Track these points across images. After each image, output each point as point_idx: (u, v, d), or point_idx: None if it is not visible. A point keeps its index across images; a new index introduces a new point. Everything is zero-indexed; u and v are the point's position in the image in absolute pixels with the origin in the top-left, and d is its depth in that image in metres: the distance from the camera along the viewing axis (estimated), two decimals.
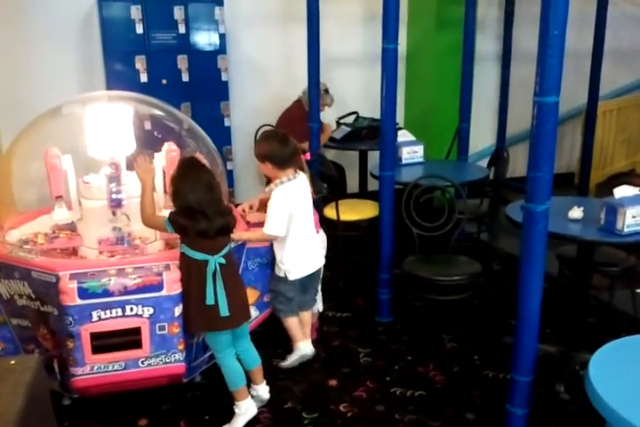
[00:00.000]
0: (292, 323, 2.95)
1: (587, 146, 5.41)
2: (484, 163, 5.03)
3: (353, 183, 5.20)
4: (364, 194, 4.96)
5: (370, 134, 4.87)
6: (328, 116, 4.95)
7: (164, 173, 3.05)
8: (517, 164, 5.25)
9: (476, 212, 4.11)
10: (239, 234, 2.73)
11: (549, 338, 3.11)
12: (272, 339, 3.22)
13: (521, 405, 2.42)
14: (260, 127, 5.06)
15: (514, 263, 3.20)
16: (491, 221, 4.78)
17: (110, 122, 2.73)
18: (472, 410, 2.66)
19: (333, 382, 2.86)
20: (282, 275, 2.86)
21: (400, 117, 5.46)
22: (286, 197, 2.74)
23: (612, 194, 2.79)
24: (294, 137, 4.70)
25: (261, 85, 5.34)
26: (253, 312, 2.95)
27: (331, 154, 5.28)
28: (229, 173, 4.98)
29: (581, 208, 2.94)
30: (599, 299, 3.58)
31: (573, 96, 5.27)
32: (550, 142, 2.20)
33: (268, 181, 3.02)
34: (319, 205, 4.28)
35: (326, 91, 4.74)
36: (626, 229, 2.76)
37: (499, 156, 4.46)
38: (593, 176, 5.54)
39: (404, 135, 4.44)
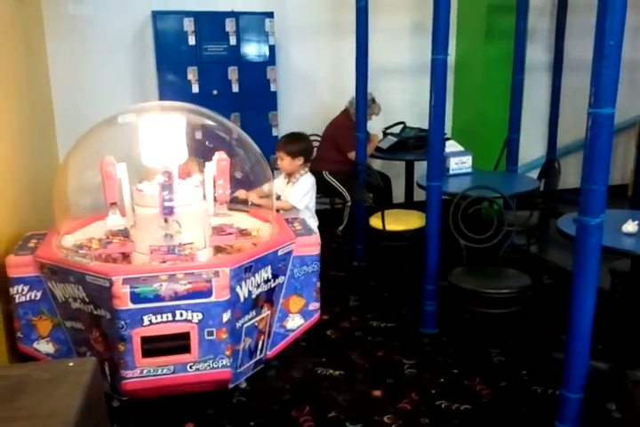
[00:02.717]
0: None
1: None
2: (533, 174, 4.94)
3: (399, 193, 5.19)
4: (409, 204, 4.94)
5: (416, 144, 4.86)
6: (375, 126, 4.96)
7: (214, 182, 3.11)
8: (569, 175, 5.14)
9: (525, 224, 4.04)
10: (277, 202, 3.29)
11: (601, 354, 3.01)
12: (317, 347, 3.23)
13: (571, 422, 2.36)
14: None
15: (564, 277, 3.14)
16: (541, 234, 4.69)
17: (163, 131, 2.80)
18: (519, 426, 2.60)
19: (378, 393, 2.84)
20: None
21: (448, 128, 5.43)
22: (313, 182, 3.52)
23: None
24: (341, 147, 4.80)
25: (309, 96, 5.40)
26: (299, 320, 2.98)
27: (377, 164, 5.29)
28: None
29: (636, 222, 2.87)
30: None
31: (628, 107, 5.14)
32: (605, 154, 2.16)
33: None
34: (365, 214, 4.30)
35: (373, 100, 4.76)
36: None
37: (549, 167, 4.38)
38: None
39: (451, 146, 4.41)
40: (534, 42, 5.52)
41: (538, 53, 5.65)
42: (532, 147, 5.70)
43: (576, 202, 2.27)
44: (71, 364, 1.37)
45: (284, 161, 3.51)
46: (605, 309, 3.25)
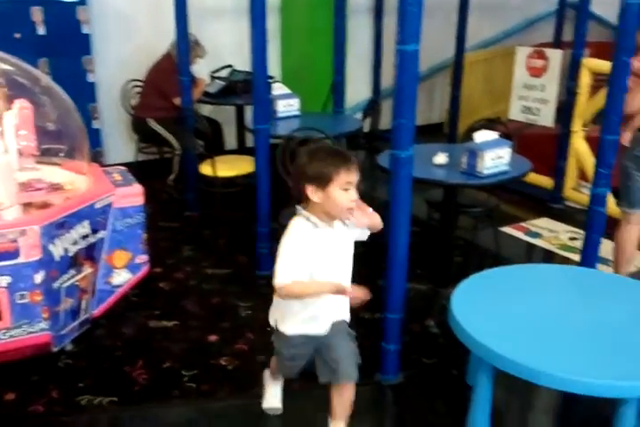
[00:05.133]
0: None
1: (454, 96, 5.57)
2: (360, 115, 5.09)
3: (231, 139, 5.11)
4: (242, 150, 4.89)
5: (246, 88, 4.74)
6: (202, 70, 4.78)
7: (16, 133, 2.82)
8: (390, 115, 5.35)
9: None
10: None
11: (421, 278, 3.26)
12: (149, 301, 3.15)
13: (393, 341, 2.53)
14: (128, 82, 4.82)
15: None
16: (367, 172, 4.87)
17: None
18: None
19: (213, 338, 2.84)
20: None
21: (277, 71, 5.38)
22: None
23: None
24: (165, 92, 4.57)
25: (127, 38, 5.02)
26: (125, 275, 2.86)
27: (206, 109, 5.14)
28: (96, 133, 4.72)
29: (446, 154, 3.06)
30: (465, 239, 3.79)
31: (444, 48, 5.39)
32: (412, 90, 2.24)
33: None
34: (195, 162, 4.18)
35: (196, 42, 4.56)
36: (485, 172, 2.92)
37: (372, 108, 4.53)
38: (461, 125, 5.73)
39: (279, 88, 4.38)
40: None
41: None
42: (358, 89, 5.83)
43: None
44: None
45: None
46: (424, 236, 3.51)
